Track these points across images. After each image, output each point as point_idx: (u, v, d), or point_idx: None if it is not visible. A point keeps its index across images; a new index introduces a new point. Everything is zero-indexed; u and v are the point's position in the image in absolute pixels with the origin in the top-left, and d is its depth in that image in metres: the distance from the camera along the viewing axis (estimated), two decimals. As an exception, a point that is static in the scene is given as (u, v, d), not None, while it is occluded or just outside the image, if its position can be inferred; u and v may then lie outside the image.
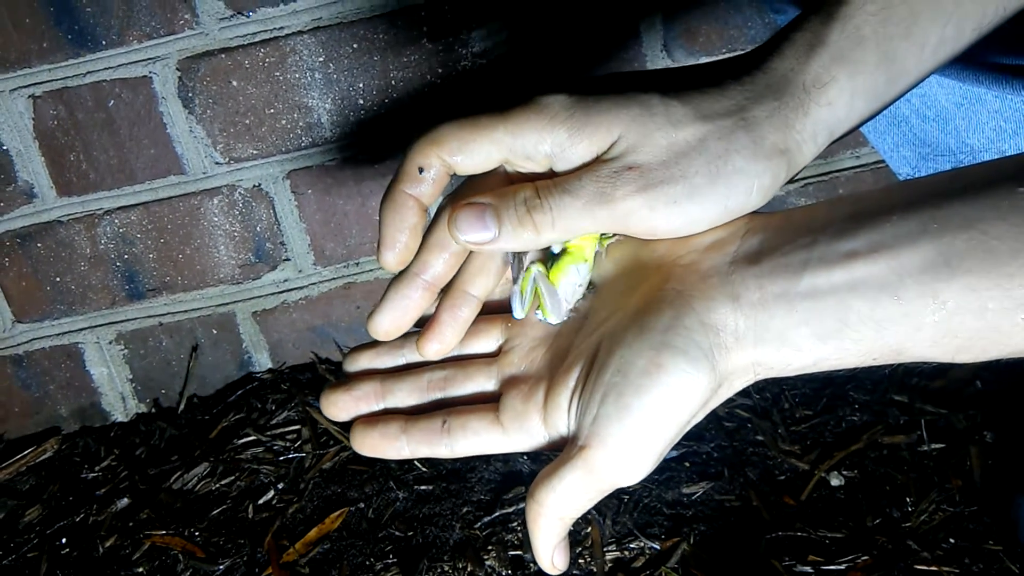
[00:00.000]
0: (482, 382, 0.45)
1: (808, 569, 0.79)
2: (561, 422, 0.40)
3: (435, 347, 0.45)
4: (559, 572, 0.41)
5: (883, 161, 0.99)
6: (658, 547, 0.84)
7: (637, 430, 0.36)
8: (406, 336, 0.47)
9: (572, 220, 0.40)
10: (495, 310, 0.48)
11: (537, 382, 0.42)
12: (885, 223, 0.34)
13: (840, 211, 0.36)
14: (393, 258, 0.43)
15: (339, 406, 0.46)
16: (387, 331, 0.45)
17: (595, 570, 0.83)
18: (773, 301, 0.35)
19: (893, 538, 0.80)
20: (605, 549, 0.85)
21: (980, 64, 0.63)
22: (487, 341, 0.46)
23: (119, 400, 1.13)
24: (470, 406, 0.44)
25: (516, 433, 0.42)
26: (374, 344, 0.48)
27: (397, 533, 0.90)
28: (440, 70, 0.98)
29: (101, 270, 1.07)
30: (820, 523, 0.83)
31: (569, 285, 0.42)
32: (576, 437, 0.38)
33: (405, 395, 0.46)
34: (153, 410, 1.13)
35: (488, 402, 0.44)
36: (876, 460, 0.89)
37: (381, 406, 0.46)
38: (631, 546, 0.85)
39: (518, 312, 0.44)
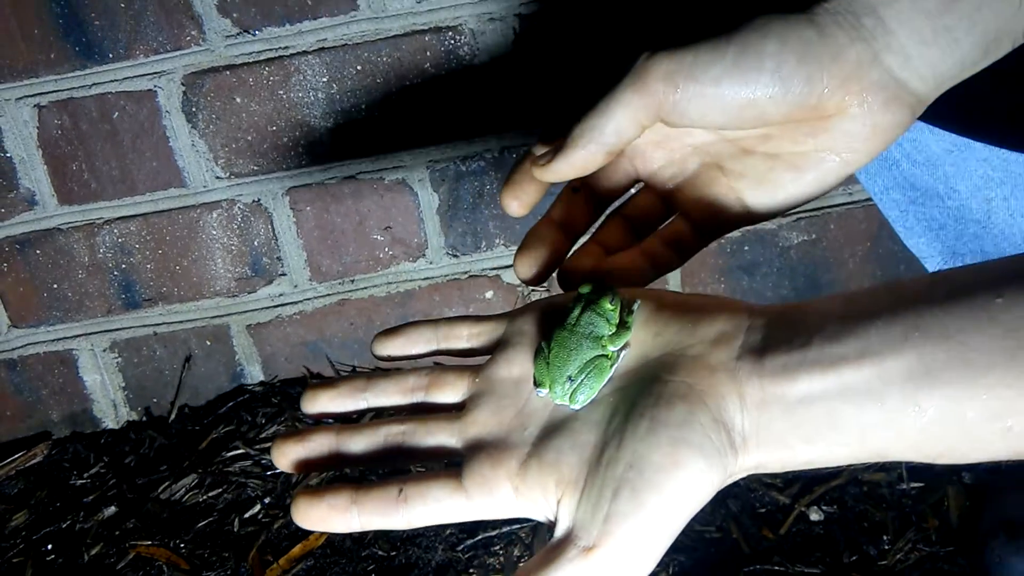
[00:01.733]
0: (443, 438, 0.44)
1: (784, 604, 0.80)
2: (542, 504, 0.39)
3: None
4: None
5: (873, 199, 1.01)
6: (638, 576, 0.85)
7: (651, 527, 0.36)
8: (369, 378, 0.47)
9: None
10: (465, 358, 0.48)
11: (509, 449, 0.41)
12: (871, 328, 0.36)
13: (833, 310, 0.38)
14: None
15: (289, 457, 0.45)
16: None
17: (574, 597, 0.84)
18: (773, 403, 0.37)
19: (869, 575, 0.82)
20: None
21: (970, 109, 0.65)
22: (453, 393, 0.46)
23: (111, 407, 1.14)
24: (428, 473, 0.42)
25: (481, 499, 0.41)
26: (335, 384, 0.47)
27: (380, 553, 0.91)
28: (441, 94, 1.00)
29: (98, 278, 1.08)
30: (798, 558, 0.84)
31: (605, 381, 0.42)
32: (576, 536, 0.37)
33: (361, 449, 0.44)
34: (144, 419, 1.14)
35: (448, 456, 0.44)
36: (856, 496, 0.90)
37: (336, 458, 0.45)
38: None
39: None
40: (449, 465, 0.43)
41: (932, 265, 0.77)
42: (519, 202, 0.48)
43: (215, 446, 1.06)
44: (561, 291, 0.49)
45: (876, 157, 0.79)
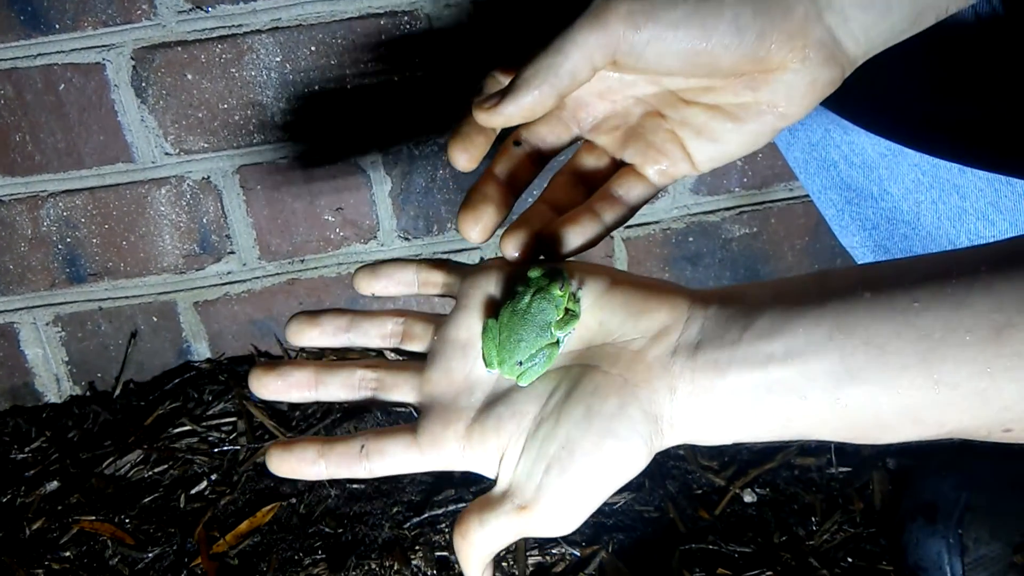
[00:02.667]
0: (406, 392, 0.48)
1: (716, 581, 0.84)
2: (485, 463, 0.44)
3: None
4: None
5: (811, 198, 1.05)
6: (578, 554, 0.88)
7: (576, 499, 0.41)
8: (352, 317, 0.51)
9: None
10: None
11: (456, 412, 0.45)
12: (798, 328, 0.39)
13: (764, 304, 0.41)
14: None
15: (269, 389, 0.49)
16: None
17: (517, 574, 0.87)
18: (703, 394, 0.40)
19: (797, 555, 0.86)
20: (528, 554, 0.88)
21: (905, 117, 0.68)
22: (420, 343, 0.50)
23: (53, 382, 1.13)
24: (386, 429, 0.47)
25: (432, 455, 0.45)
26: (319, 319, 0.51)
27: (327, 530, 0.92)
28: (396, 78, 1.00)
29: (42, 252, 1.06)
30: (731, 537, 0.88)
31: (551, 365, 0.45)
32: (512, 494, 0.42)
33: (336, 389, 0.49)
34: (88, 393, 1.13)
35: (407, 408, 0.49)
36: (787, 480, 0.94)
37: (312, 395, 0.49)
38: (552, 552, 0.88)
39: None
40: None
41: (864, 262, 0.81)
42: (468, 155, 0.47)
43: (161, 422, 1.06)
44: (505, 257, 0.48)
45: (815, 159, 0.83)
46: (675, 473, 0.96)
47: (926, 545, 0.78)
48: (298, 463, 0.47)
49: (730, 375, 0.40)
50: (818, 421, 0.39)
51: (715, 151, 0.49)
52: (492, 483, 0.44)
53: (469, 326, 0.47)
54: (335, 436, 0.47)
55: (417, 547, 0.89)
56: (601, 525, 0.90)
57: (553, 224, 0.48)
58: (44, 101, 0.99)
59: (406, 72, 1.00)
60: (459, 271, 0.51)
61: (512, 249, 0.48)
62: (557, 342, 0.45)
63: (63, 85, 0.98)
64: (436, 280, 0.51)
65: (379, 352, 0.98)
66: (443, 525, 0.92)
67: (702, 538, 0.89)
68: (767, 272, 1.13)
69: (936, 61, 0.63)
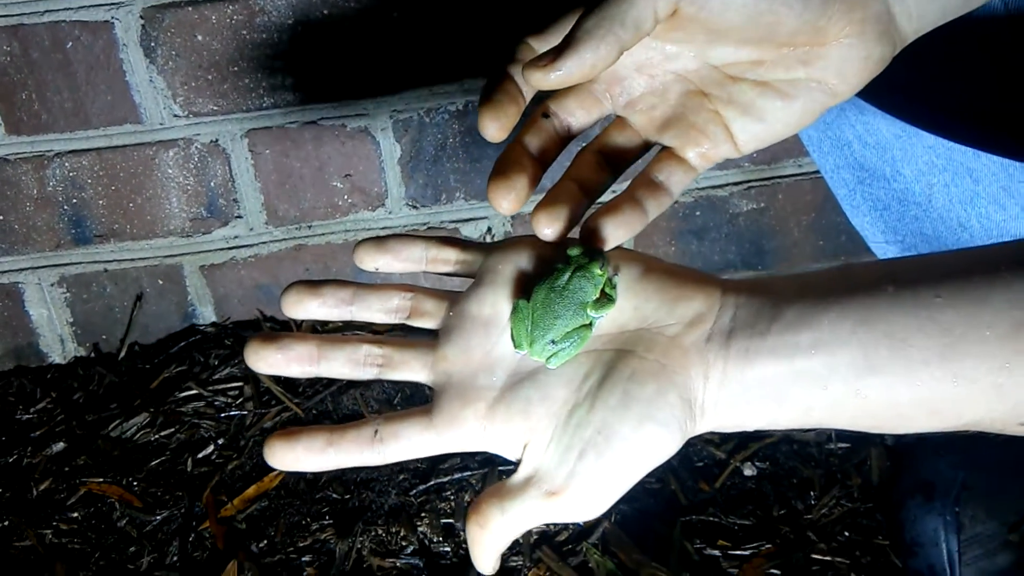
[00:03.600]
0: (416, 370, 0.46)
1: (716, 553, 0.86)
2: (507, 445, 0.43)
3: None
4: (494, 573, 0.44)
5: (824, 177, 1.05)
6: (581, 524, 0.89)
7: (609, 484, 0.41)
8: (355, 289, 0.48)
9: None
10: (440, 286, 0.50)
11: (476, 391, 0.44)
12: (823, 320, 0.40)
13: (791, 297, 0.41)
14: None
15: (268, 361, 0.46)
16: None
17: (521, 542, 0.88)
18: (732, 382, 0.41)
19: (795, 528, 0.88)
20: (532, 522, 0.90)
21: (920, 99, 0.68)
22: (431, 320, 0.48)
23: (57, 342, 1.13)
24: (400, 412, 0.45)
25: (450, 435, 0.44)
26: (320, 289, 0.48)
27: (334, 495, 0.93)
28: (411, 44, 0.99)
29: (47, 212, 1.05)
30: (731, 510, 0.90)
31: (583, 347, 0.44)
32: (540, 480, 0.41)
33: (340, 365, 0.46)
34: (92, 355, 1.13)
35: (419, 385, 0.47)
36: (787, 454, 0.96)
37: (312, 370, 0.46)
38: (556, 521, 0.90)
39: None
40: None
41: (874, 243, 0.81)
42: (498, 124, 0.43)
43: (167, 386, 1.06)
44: (539, 236, 0.46)
45: (829, 137, 0.83)
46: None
47: (923, 522, 0.80)
48: (305, 453, 0.44)
49: (759, 364, 0.40)
50: (838, 411, 0.40)
51: (760, 131, 0.47)
52: (511, 465, 0.43)
53: (494, 302, 0.46)
54: (343, 424, 0.45)
55: (423, 514, 0.91)
56: (604, 495, 0.92)
57: (595, 215, 0.46)
58: (51, 59, 0.98)
59: (421, 38, 0.99)
60: (475, 248, 0.50)
61: (549, 230, 0.45)
62: (591, 324, 0.44)
63: (71, 43, 0.97)
64: (447, 257, 0.49)
65: (386, 330, 0.98)
66: (448, 493, 0.93)
67: (703, 510, 0.90)
68: (772, 247, 1.14)
69: (959, 46, 0.63)
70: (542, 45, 0.45)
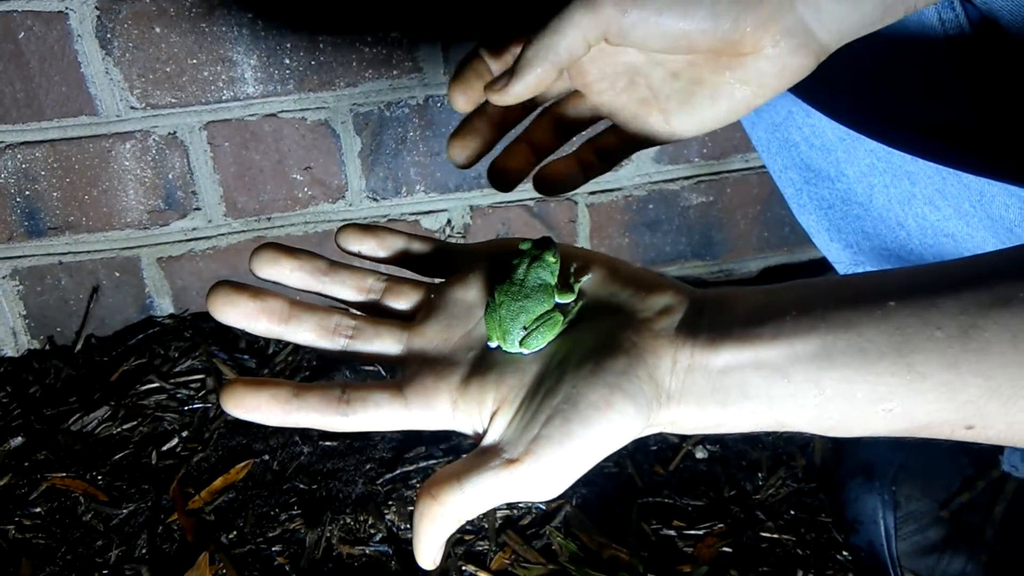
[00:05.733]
0: (389, 344, 0.46)
1: (672, 533, 0.91)
2: (477, 418, 0.43)
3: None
4: (434, 568, 0.43)
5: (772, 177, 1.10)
6: (544, 507, 0.93)
7: (573, 456, 0.40)
8: (331, 264, 0.48)
9: None
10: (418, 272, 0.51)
11: (452, 365, 0.44)
12: (786, 316, 0.41)
13: (756, 300, 0.44)
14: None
15: (238, 308, 0.44)
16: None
17: (486, 527, 0.91)
18: (698, 369, 0.41)
19: (744, 508, 0.93)
20: (496, 508, 0.93)
21: (862, 106, 0.73)
22: (405, 302, 0.49)
23: (9, 335, 1.11)
24: (369, 382, 0.44)
25: (419, 409, 0.43)
26: (297, 254, 0.48)
27: (301, 486, 0.95)
28: (369, 38, 1.00)
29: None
30: (685, 491, 0.95)
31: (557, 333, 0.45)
32: (502, 448, 0.41)
33: (309, 329, 0.46)
34: (47, 347, 1.12)
35: (388, 363, 0.47)
36: (735, 438, 1.01)
37: (280, 330, 0.45)
38: (520, 505, 0.94)
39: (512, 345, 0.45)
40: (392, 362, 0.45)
41: (819, 240, 0.86)
42: (466, 97, 0.52)
43: (127, 378, 1.06)
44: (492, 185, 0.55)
45: (778, 139, 0.87)
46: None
47: (863, 501, 0.86)
48: (268, 402, 0.42)
49: (723, 352, 0.41)
50: (798, 407, 0.41)
51: (692, 121, 0.53)
52: (472, 443, 0.43)
53: (478, 288, 0.48)
54: (311, 383, 0.43)
55: (390, 502, 0.93)
56: (565, 480, 0.96)
57: (544, 169, 0.55)
58: (3, 49, 0.96)
59: (379, 32, 1.00)
60: (455, 248, 0.52)
61: (503, 184, 0.54)
62: (562, 311, 0.45)
63: (23, 33, 0.95)
64: (424, 251, 0.51)
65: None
66: (414, 481, 0.95)
67: (658, 492, 0.95)
68: (720, 238, 1.18)
69: (897, 58, 0.68)
70: (495, 62, 0.53)
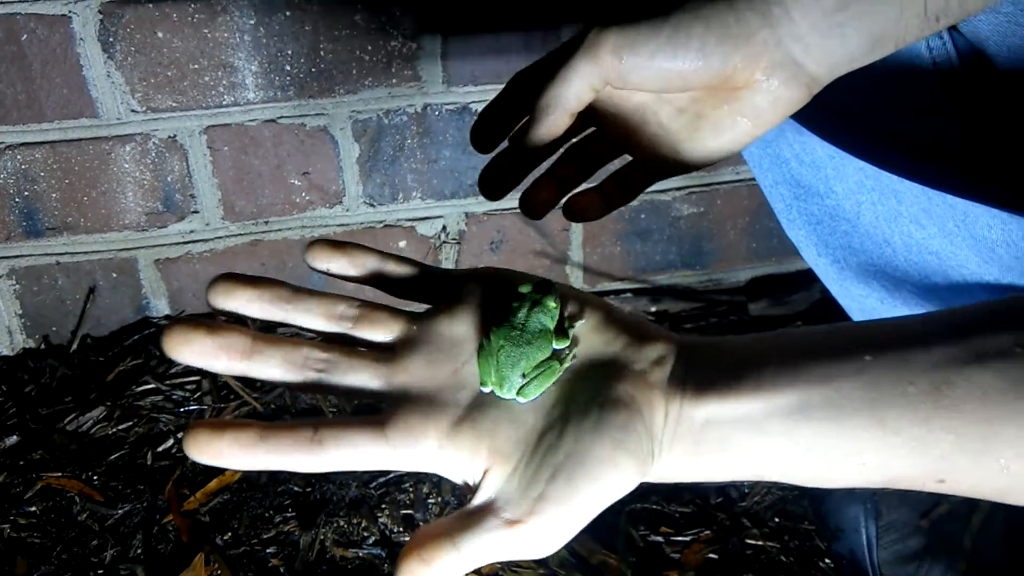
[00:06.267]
0: (365, 378, 0.44)
1: (660, 539, 0.93)
2: (468, 469, 0.41)
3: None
4: None
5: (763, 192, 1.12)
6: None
7: (575, 514, 0.39)
8: (295, 290, 0.45)
9: None
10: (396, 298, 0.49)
11: (441, 406, 0.43)
12: (765, 370, 0.42)
13: (739, 349, 0.45)
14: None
15: (193, 347, 0.41)
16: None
17: (478, 531, 0.93)
18: (685, 421, 0.42)
19: (730, 515, 0.95)
20: (487, 512, 0.95)
21: (852, 127, 0.75)
22: (383, 333, 0.46)
23: (5, 334, 1.12)
24: (347, 417, 0.46)
25: (404, 449, 0.41)
26: (256, 283, 0.44)
27: (296, 488, 0.96)
28: (369, 47, 1.01)
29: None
30: (672, 498, 0.97)
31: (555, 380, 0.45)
32: (501, 508, 0.39)
33: (274, 365, 0.42)
34: (43, 347, 1.12)
35: (368, 399, 0.45)
36: (723, 445, 1.03)
37: (241, 367, 0.42)
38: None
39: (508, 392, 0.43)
40: (370, 397, 0.43)
41: (807, 255, 0.88)
42: (485, 143, 0.56)
43: (123, 379, 1.07)
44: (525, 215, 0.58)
45: (769, 155, 0.89)
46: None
47: (846, 510, 0.88)
48: (231, 447, 0.39)
49: (705, 404, 0.42)
50: (774, 459, 0.41)
51: (701, 153, 0.56)
52: (470, 495, 0.41)
53: (467, 322, 0.46)
54: (280, 422, 0.40)
55: (383, 505, 0.95)
56: (555, 486, 0.98)
57: (571, 200, 0.59)
58: (5, 51, 0.96)
59: (379, 40, 1.01)
60: (431, 272, 0.50)
61: (532, 212, 0.58)
62: (560, 357, 0.45)
63: (26, 35, 0.96)
64: (402, 273, 0.49)
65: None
66: (407, 484, 0.97)
67: (646, 498, 0.97)
68: (710, 249, 1.20)
69: (885, 82, 0.70)
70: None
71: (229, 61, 1.00)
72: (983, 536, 0.86)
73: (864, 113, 0.73)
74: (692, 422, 0.42)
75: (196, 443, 0.39)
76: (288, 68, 1.01)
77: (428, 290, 0.49)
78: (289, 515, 0.94)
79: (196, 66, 1.00)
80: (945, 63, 0.65)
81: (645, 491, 0.97)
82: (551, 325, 0.45)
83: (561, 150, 0.61)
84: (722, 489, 0.98)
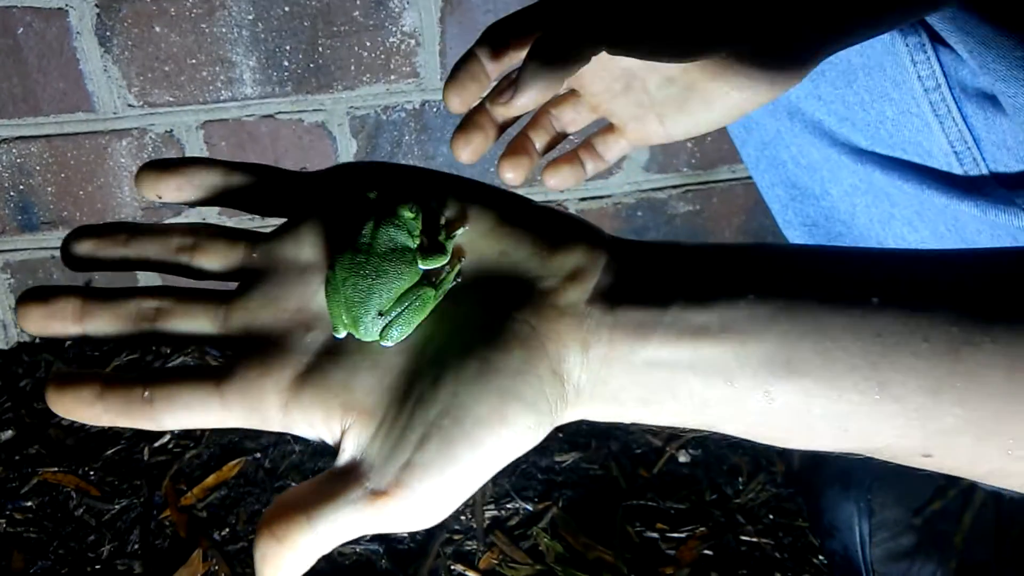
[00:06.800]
0: (202, 323, 0.38)
1: (655, 535, 0.94)
2: (322, 429, 0.34)
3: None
4: None
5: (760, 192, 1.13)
6: (531, 508, 0.96)
7: (455, 483, 0.32)
8: (134, 230, 0.40)
9: None
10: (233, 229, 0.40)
11: (283, 354, 0.35)
12: (740, 301, 0.33)
13: (700, 264, 0.35)
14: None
15: (32, 320, 0.39)
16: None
17: (475, 527, 0.94)
18: (617, 361, 0.33)
19: (725, 512, 0.96)
20: (484, 508, 0.95)
21: (846, 136, 0.76)
22: (218, 261, 0.39)
23: (0, 328, 1.11)
24: (182, 373, 0.36)
25: (241, 411, 0.35)
26: (99, 230, 0.40)
27: (293, 484, 0.97)
28: (368, 43, 1.01)
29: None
30: (668, 495, 0.98)
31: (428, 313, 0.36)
32: (363, 475, 0.32)
33: (106, 323, 0.39)
34: (37, 341, 1.12)
35: (210, 344, 0.41)
36: (717, 442, 1.04)
37: (76, 328, 0.39)
38: (508, 506, 0.96)
39: (371, 334, 0.35)
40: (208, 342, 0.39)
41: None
42: (460, 99, 0.52)
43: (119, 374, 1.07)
44: (506, 182, 0.55)
45: (767, 157, 0.90)
46: (617, 434, 1.04)
47: (840, 508, 0.89)
48: (74, 403, 0.36)
49: (653, 343, 0.33)
50: (735, 413, 0.34)
51: (688, 124, 0.54)
52: (329, 453, 0.37)
53: (314, 243, 0.38)
54: (120, 377, 0.36)
55: (381, 501, 0.95)
56: (551, 482, 0.98)
57: (547, 165, 0.58)
58: (1, 44, 0.96)
59: (378, 36, 1.01)
60: (289, 177, 0.42)
61: (511, 174, 0.55)
62: (432, 283, 0.35)
63: (22, 28, 0.95)
64: (253, 184, 0.41)
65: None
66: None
67: (642, 495, 0.98)
68: (705, 247, 1.21)
69: (874, 93, 0.71)
70: (491, 63, 0.52)
71: (227, 56, 1.00)
72: (974, 534, 0.87)
73: (852, 121, 0.74)
74: (630, 361, 0.33)
75: (50, 398, 0.37)
76: (286, 63, 1.01)
77: (286, 201, 0.41)
78: (286, 511, 0.94)
79: (194, 61, 1.00)
80: (929, 76, 0.66)
81: (640, 487, 0.98)
82: (411, 242, 0.36)
83: (534, 110, 0.58)
84: (717, 485, 0.99)
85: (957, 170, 0.67)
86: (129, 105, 1.01)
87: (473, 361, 0.33)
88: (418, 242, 0.36)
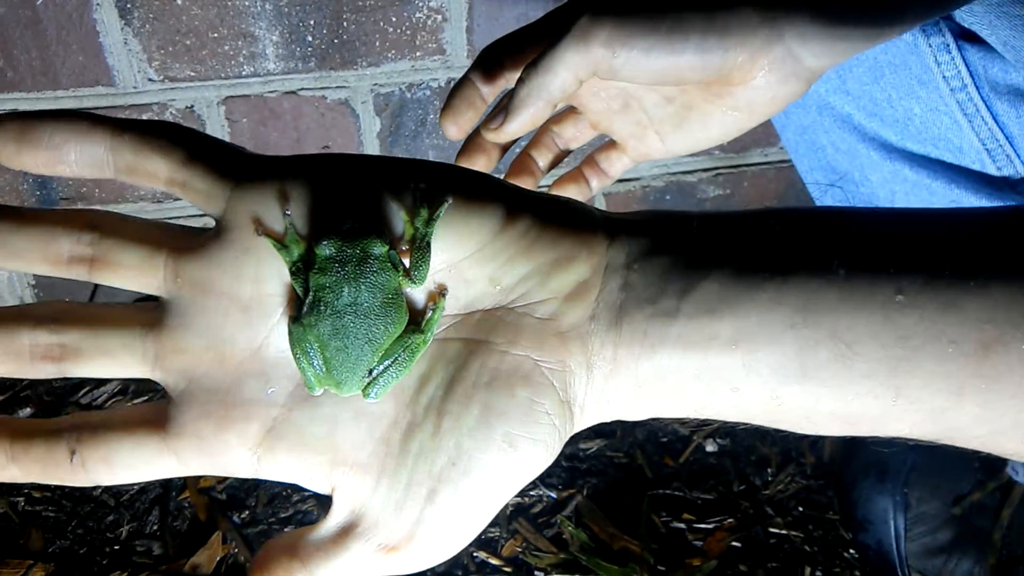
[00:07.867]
0: (127, 363, 0.31)
1: (682, 526, 0.92)
2: (307, 480, 0.32)
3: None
4: None
5: (787, 160, 1.10)
6: (555, 496, 0.94)
7: (468, 524, 0.31)
8: (20, 221, 0.32)
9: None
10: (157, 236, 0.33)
11: (242, 406, 0.31)
12: (751, 306, 0.31)
13: (709, 261, 0.32)
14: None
15: None
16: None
17: (497, 515, 0.92)
18: (622, 373, 0.32)
19: (754, 503, 0.94)
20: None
21: (875, 134, 0.74)
22: (133, 282, 0.32)
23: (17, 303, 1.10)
24: (115, 429, 0.31)
25: (202, 465, 0.31)
26: None
27: (314, 467, 0.95)
28: (393, 18, 0.99)
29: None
30: (695, 484, 0.96)
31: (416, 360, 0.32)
32: (370, 531, 0.31)
33: None
34: None
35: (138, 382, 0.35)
36: (746, 432, 1.01)
37: None
38: (531, 493, 0.94)
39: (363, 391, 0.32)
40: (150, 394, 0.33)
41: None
42: (457, 127, 0.52)
43: (138, 353, 1.05)
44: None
45: (806, 141, 0.87)
46: (643, 422, 1.02)
47: (875, 500, 0.87)
48: None
49: (660, 355, 0.31)
50: (740, 412, 0.32)
51: (687, 142, 0.54)
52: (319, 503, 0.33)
53: (258, 276, 0.31)
54: (33, 431, 0.30)
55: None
56: (576, 470, 0.96)
57: (558, 181, 0.58)
58: (20, 15, 0.94)
59: (403, 12, 0.99)
60: (217, 160, 0.33)
61: None
62: (418, 326, 0.32)
63: (41, 0, 0.93)
64: (153, 170, 0.33)
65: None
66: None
67: (668, 484, 0.96)
68: (734, 232, 1.18)
69: (901, 91, 0.69)
70: (486, 87, 0.52)
71: (249, 30, 0.98)
72: (1013, 531, 0.84)
73: (881, 120, 0.72)
74: (636, 373, 0.31)
75: None
76: (310, 39, 0.99)
77: (215, 198, 0.33)
78: (307, 493, 0.92)
79: (215, 35, 0.97)
80: (955, 76, 0.64)
81: (666, 476, 0.96)
82: (393, 279, 0.31)
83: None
84: (745, 476, 0.96)
85: (990, 168, 0.66)
86: (149, 79, 0.99)
87: (474, 407, 0.31)
88: (400, 275, 0.31)
